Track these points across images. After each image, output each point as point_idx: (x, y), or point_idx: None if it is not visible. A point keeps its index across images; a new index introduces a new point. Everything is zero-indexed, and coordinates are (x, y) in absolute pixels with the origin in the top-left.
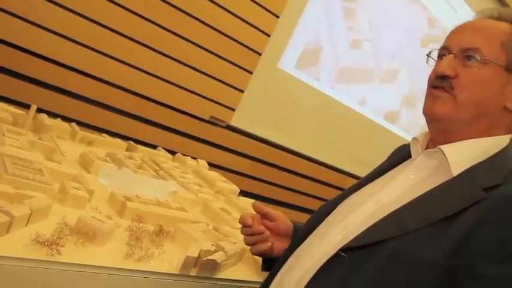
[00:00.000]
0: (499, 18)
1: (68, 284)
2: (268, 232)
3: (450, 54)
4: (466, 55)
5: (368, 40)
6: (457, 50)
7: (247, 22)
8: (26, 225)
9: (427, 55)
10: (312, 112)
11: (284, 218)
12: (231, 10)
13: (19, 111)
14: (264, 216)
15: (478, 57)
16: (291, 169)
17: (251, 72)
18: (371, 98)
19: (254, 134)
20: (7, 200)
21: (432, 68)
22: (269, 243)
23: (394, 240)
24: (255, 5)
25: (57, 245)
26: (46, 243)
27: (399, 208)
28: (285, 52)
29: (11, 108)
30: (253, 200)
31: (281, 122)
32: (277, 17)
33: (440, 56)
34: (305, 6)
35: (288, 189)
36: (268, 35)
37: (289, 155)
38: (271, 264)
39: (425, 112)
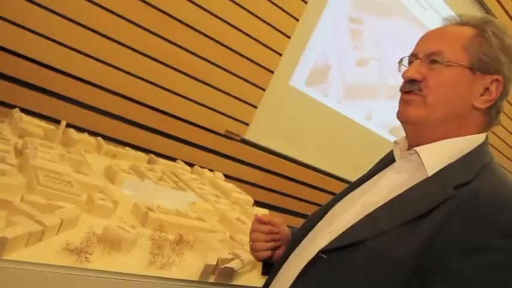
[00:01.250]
0: (461, 23)
1: None
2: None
3: (417, 60)
4: (431, 59)
5: (374, 59)
6: (422, 55)
7: (260, 42)
8: (56, 234)
9: (398, 62)
10: (321, 126)
11: (284, 225)
12: (245, 31)
13: (50, 126)
14: (268, 225)
15: (442, 60)
16: (302, 180)
17: (264, 89)
18: (377, 113)
19: (267, 147)
20: (40, 210)
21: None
22: (281, 250)
23: (370, 241)
24: (268, 26)
25: (86, 252)
26: (75, 251)
27: (376, 209)
28: (296, 70)
29: (43, 123)
30: (266, 210)
31: (292, 135)
32: (289, 37)
33: (410, 63)
34: (315, 27)
35: (299, 199)
36: (280, 54)
37: (300, 167)
38: (270, 268)
39: (399, 116)
